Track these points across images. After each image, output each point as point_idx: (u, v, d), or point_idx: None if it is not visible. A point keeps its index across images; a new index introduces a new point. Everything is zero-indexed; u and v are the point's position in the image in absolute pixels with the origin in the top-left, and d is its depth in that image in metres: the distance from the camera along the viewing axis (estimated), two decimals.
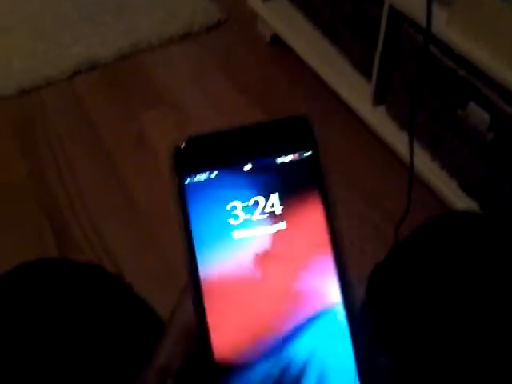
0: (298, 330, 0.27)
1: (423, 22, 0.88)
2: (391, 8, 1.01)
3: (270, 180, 0.28)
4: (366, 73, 1.21)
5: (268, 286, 0.27)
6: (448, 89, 0.98)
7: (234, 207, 0.28)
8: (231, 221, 0.28)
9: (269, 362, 0.27)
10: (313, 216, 0.28)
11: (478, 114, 0.93)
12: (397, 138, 1.15)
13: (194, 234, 0.28)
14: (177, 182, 0.28)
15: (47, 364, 0.43)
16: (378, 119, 1.18)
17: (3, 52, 1.51)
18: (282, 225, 0.28)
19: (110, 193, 1.26)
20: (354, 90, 1.22)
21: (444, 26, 0.91)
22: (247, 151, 0.28)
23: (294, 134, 0.29)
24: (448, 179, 1.08)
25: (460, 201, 1.04)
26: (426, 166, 1.10)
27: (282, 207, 0.28)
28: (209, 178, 0.28)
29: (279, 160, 0.28)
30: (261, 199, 0.28)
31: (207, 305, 0.27)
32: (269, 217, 0.28)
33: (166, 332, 0.28)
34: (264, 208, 0.28)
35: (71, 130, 1.39)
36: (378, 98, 1.18)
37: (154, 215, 1.20)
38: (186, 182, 0.28)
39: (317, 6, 1.30)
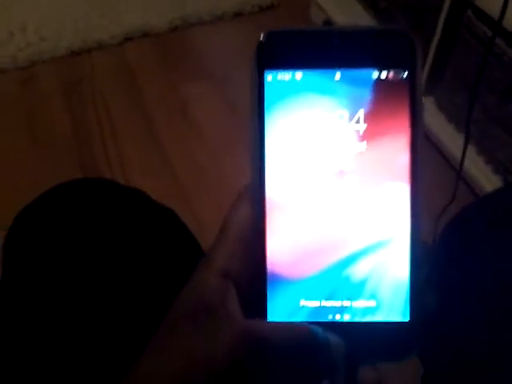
0: (356, 255, 0.26)
1: (492, 12, 0.87)
2: None
3: (359, 94, 0.26)
4: None
5: (334, 206, 0.26)
6: (507, 84, 0.96)
7: (316, 116, 0.26)
8: (309, 131, 0.26)
9: (321, 280, 0.26)
10: (397, 142, 0.26)
11: None
12: (443, 130, 1.14)
13: (267, 136, 0.26)
14: (256, 77, 0.26)
15: (91, 287, 0.41)
16: (426, 110, 1.17)
17: (57, 14, 1.54)
18: (363, 145, 0.26)
19: (149, 159, 1.27)
20: None
21: None
22: (339, 57, 0.26)
23: (393, 48, 0.26)
24: (492, 175, 1.06)
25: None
26: (470, 160, 1.09)
27: (365, 126, 0.26)
28: (292, 79, 0.26)
29: (372, 75, 0.26)
30: (345, 113, 0.26)
31: (268, 213, 0.26)
32: (350, 134, 0.26)
33: (223, 235, 0.26)
34: (348, 123, 0.26)
35: (117, 95, 1.41)
36: (428, 89, 1.16)
37: (190, 184, 1.21)
38: (267, 80, 0.26)
39: None
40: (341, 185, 0.26)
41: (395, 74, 0.25)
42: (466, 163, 1.07)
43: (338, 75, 0.26)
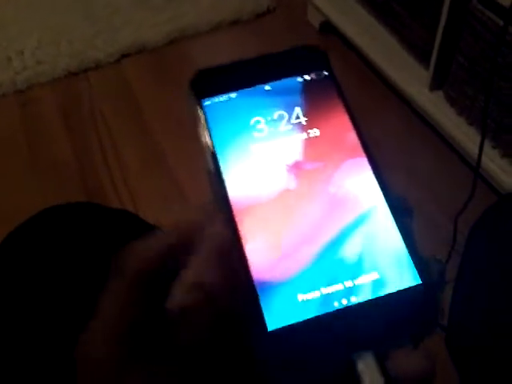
0: (341, 235, 0.25)
1: None
2: None
3: (291, 96, 0.28)
4: (423, 56, 1.15)
5: (302, 196, 0.26)
6: None
7: (258, 121, 0.28)
8: (256, 134, 0.27)
9: (313, 270, 0.25)
10: (340, 124, 0.28)
11: None
12: (455, 124, 1.09)
13: (219, 153, 0.27)
14: (196, 105, 0.28)
15: (74, 308, 0.41)
16: (436, 105, 1.12)
17: (53, 36, 1.52)
18: (310, 133, 0.27)
19: (152, 175, 1.24)
20: (410, 74, 1.17)
21: None
22: (264, 75, 0.29)
23: (308, 59, 0.30)
24: (509, 168, 1.01)
25: None
26: (486, 154, 1.04)
27: (306, 119, 0.28)
28: (229, 99, 0.28)
29: (298, 79, 0.29)
30: (284, 113, 0.28)
31: (239, 222, 0.25)
32: (295, 127, 0.28)
33: (195, 250, 0.25)
34: (289, 120, 0.28)
35: (117, 113, 1.38)
36: (436, 83, 1.12)
37: (195, 197, 1.17)
38: (206, 104, 0.28)
39: None
40: (303, 174, 0.27)
41: (317, 74, 0.29)
42: (482, 158, 1.03)
43: (267, 87, 0.28)
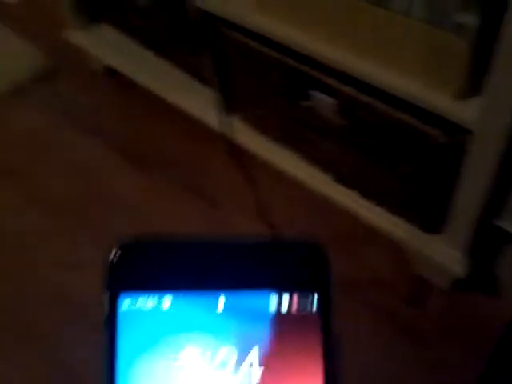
0: None
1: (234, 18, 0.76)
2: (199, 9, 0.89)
3: (251, 325, 0.19)
4: (207, 82, 1.08)
5: None
6: (287, 82, 0.87)
7: (190, 355, 0.19)
8: (182, 376, 0.19)
9: None
10: None
11: (323, 101, 0.83)
12: (258, 144, 1.03)
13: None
14: (108, 304, 0.20)
15: None
16: (235, 129, 1.06)
17: None
18: None
19: None
20: (197, 99, 1.09)
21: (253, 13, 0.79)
22: (222, 276, 0.19)
23: (297, 264, 0.20)
24: (322, 176, 0.98)
25: (337, 194, 0.93)
26: (290, 162, 0.99)
27: (261, 370, 0.19)
28: (157, 307, 0.19)
29: (270, 299, 0.19)
30: (233, 353, 0.19)
31: None
32: (240, 378, 0.19)
33: None
34: (238, 368, 0.19)
35: None
36: (229, 106, 1.05)
37: None
38: (123, 308, 0.19)
39: (137, 24, 1.16)
40: None
41: (300, 298, 0.19)
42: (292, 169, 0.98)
43: (221, 300, 0.19)
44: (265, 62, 0.85)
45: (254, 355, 0.19)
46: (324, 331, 0.19)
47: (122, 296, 0.20)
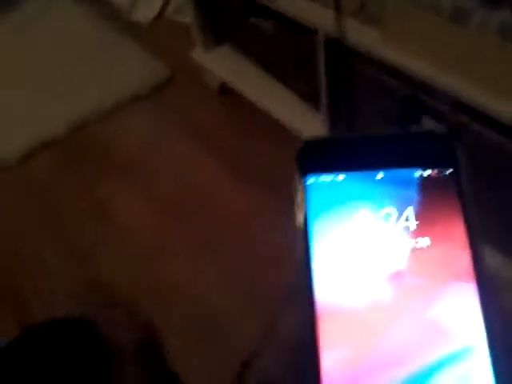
0: (427, 370, 0.22)
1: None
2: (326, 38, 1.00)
3: (404, 192, 0.25)
4: (315, 105, 1.19)
5: (395, 312, 0.23)
6: (401, 109, 0.95)
7: (362, 216, 0.25)
8: (357, 230, 0.24)
9: None
10: (453, 238, 0.24)
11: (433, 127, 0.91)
12: None
13: (312, 241, 0.24)
14: (298, 181, 0.25)
15: None
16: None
17: None
18: (417, 243, 0.24)
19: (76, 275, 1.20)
20: (306, 122, 1.19)
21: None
22: (380, 159, 0.25)
23: (433, 148, 0.26)
24: None
25: None
26: None
27: (417, 223, 0.24)
28: (335, 181, 0.25)
29: (416, 173, 0.25)
30: (393, 211, 0.24)
31: (319, 324, 0.23)
32: (403, 231, 0.24)
33: (267, 341, 0.24)
34: (398, 220, 0.24)
35: (30, 214, 1.34)
36: (331, 128, 1.15)
37: (123, 288, 1.14)
38: (309, 183, 0.25)
39: (259, 48, 1.29)
40: (399, 288, 0.23)
41: (439, 172, 0.25)
42: None
43: (380, 175, 0.25)
44: (383, 90, 0.95)
45: (410, 212, 0.24)
46: (458, 192, 0.25)
47: (308, 176, 0.25)
